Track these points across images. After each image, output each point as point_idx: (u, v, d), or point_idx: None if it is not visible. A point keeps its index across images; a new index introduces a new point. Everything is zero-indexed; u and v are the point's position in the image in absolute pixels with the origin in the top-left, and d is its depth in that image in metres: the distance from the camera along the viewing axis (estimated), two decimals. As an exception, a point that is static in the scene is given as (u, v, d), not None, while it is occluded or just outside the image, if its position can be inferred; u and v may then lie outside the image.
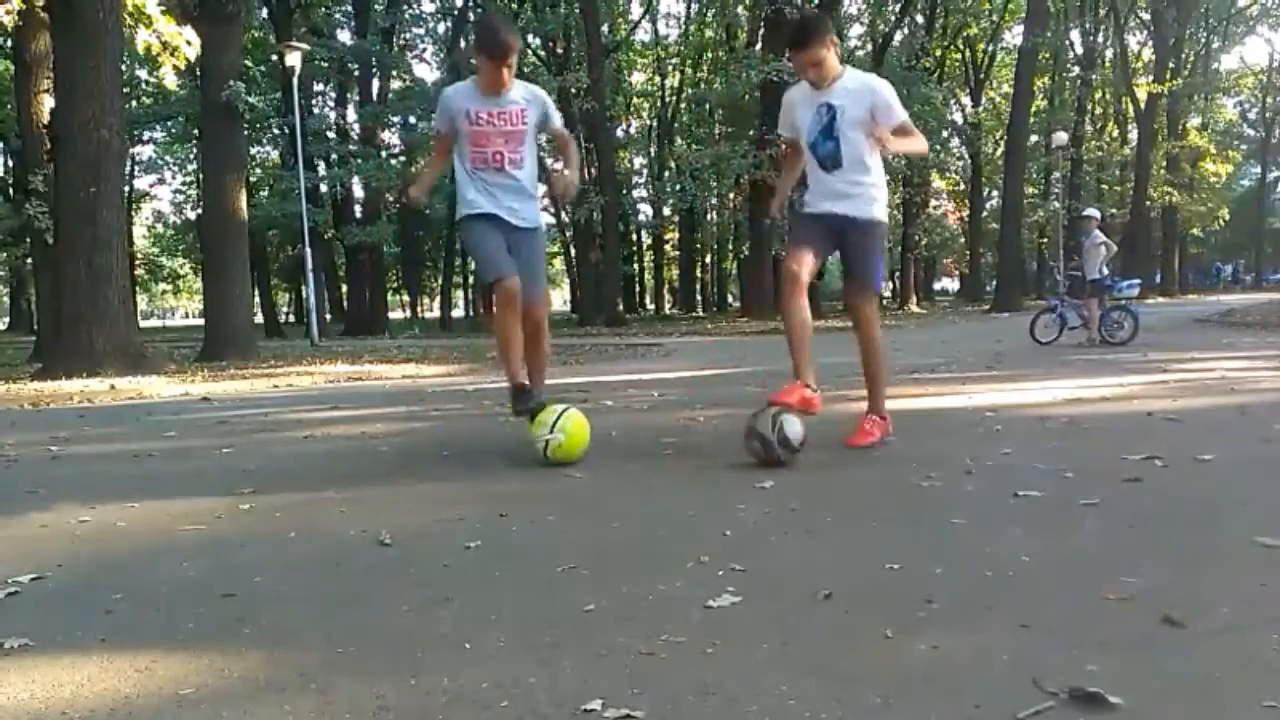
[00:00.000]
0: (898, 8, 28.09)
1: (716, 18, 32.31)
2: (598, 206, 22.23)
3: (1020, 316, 18.60)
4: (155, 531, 2.60)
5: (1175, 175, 35.76)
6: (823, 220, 3.58)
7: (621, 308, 26.33)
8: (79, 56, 9.11)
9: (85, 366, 8.79)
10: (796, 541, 2.24)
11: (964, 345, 10.77)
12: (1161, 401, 4.66)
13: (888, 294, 33.58)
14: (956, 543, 2.17)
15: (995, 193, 36.92)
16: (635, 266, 40.21)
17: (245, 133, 15.80)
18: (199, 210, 27.19)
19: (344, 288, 31.90)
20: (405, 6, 28.96)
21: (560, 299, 49.37)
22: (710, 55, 34.69)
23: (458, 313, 38.37)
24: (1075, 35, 34.89)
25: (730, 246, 40.36)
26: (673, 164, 31.71)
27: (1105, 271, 9.83)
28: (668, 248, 43.91)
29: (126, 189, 23.46)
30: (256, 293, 25.53)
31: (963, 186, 36.27)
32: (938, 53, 31.28)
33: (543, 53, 28.02)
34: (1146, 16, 36.09)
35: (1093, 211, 10.57)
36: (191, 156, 33.97)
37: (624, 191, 31.56)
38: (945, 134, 30.30)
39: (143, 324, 19.26)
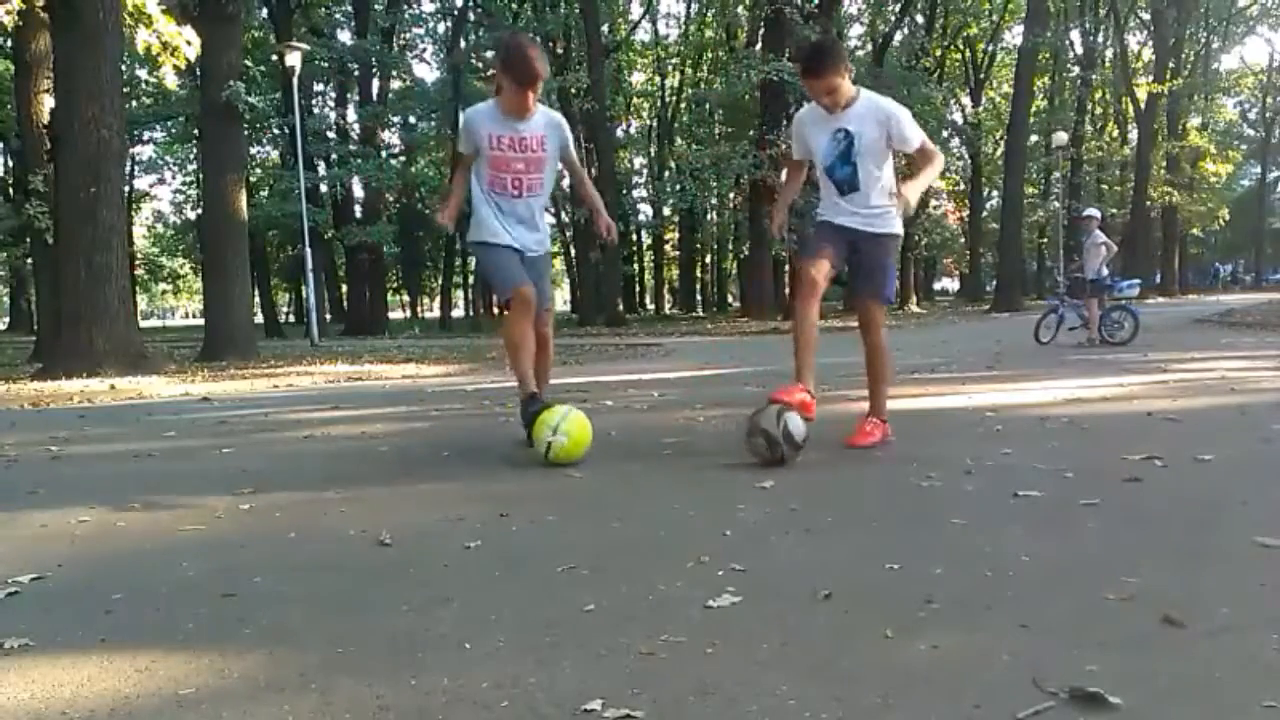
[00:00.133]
0: (898, 8, 28.09)
1: (716, 18, 32.34)
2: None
3: (1020, 316, 18.62)
4: (155, 531, 2.59)
5: (1175, 175, 35.78)
6: (839, 230, 3.60)
7: (621, 308, 26.35)
8: (79, 56, 9.11)
9: (85, 366, 8.79)
10: (796, 541, 2.24)
11: (964, 345, 10.77)
12: (1161, 401, 4.66)
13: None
14: (956, 543, 2.17)
15: (995, 193, 36.94)
16: (635, 266, 40.24)
17: (245, 133, 15.80)
18: (199, 210, 27.20)
19: (344, 288, 31.93)
20: (405, 6, 28.97)
21: (560, 299, 49.37)
22: (710, 55, 34.73)
23: (458, 313, 38.41)
24: (1075, 35, 34.94)
25: (730, 246, 40.39)
26: (673, 164, 31.73)
27: (1105, 271, 9.83)
28: (668, 248, 43.93)
29: (126, 189, 23.44)
30: (256, 293, 25.55)
31: (963, 186, 36.29)
32: (938, 53, 31.29)
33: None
34: (1146, 16, 36.12)
35: (1093, 211, 10.57)
36: (191, 156, 33.98)
37: (624, 191, 31.59)
38: (945, 134, 30.28)
39: (143, 324, 19.26)
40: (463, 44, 29.29)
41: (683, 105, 35.26)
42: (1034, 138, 32.04)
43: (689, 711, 1.32)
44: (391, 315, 35.21)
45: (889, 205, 3.53)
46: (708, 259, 43.53)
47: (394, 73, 28.94)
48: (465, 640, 1.63)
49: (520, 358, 3.69)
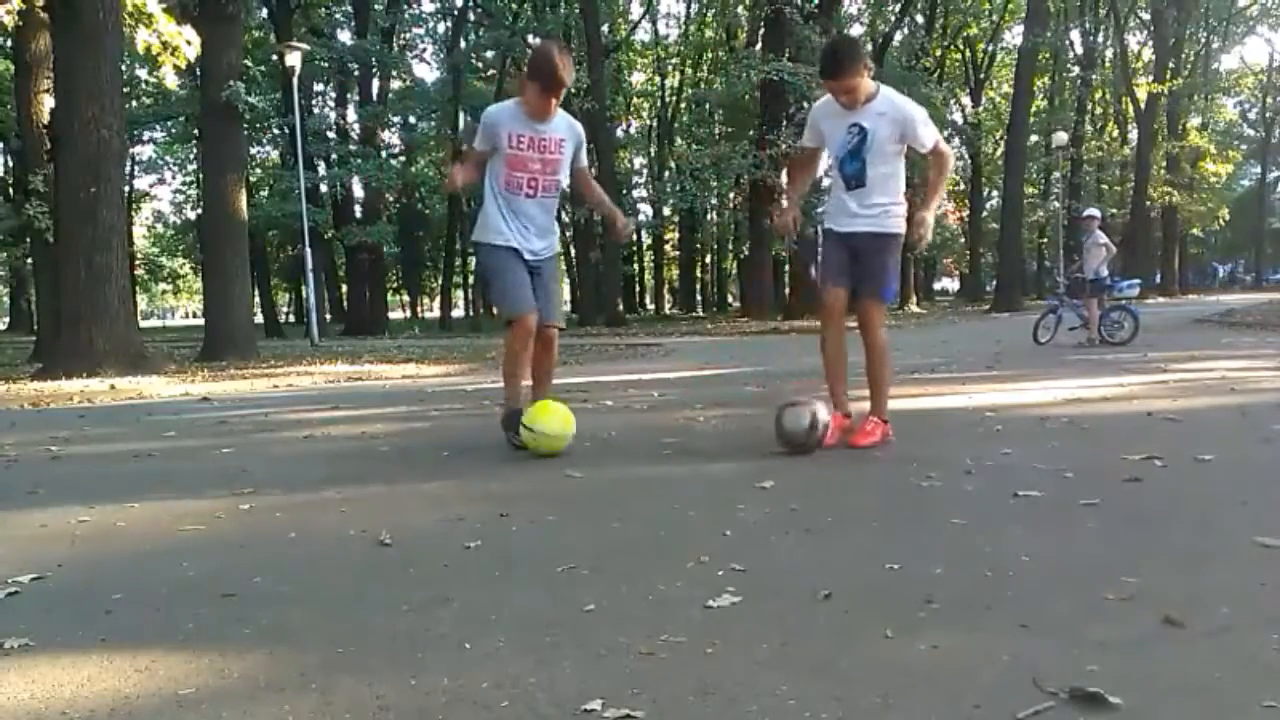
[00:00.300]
0: (898, 8, 28.09)
1: (716, 18, 32.33)
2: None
3: (1020, 316, 18.62)
4: (155, 531, 2.60)
5: (1175, 175, 35.77)
6: (847, 240, 3.62)
7: (621, 308, 26.35)
8: (79, 56, 9.11)
9: (85, 366, 8.79)
10: (796, 541, 2.24)
11: (964, 345, 10.77)
12: (1161, 401, 4.66)
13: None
14: (956, 543, 2.17)
15: (995, 193, 36.94)
16: (635, 266, 40.26)
17: (245, 133, 15.79)
18: (199, 210, 27.20)
19: (344, 288, 31.95)
20: (405, 6, 28.98)
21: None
22: (710, 55, 34.72)
23: (458, 313, 38.40)
24: (1075, 35, 34.93)
25: (730, 246, 40.41)
26: (673, 164, 31.73)
27: (1105, 272, 9.83)
28: (668, 248, 43.92)
29: (126, 189, 23.42)
30: (256, 293, 25.55)
31: (963, 186, 36.27)
32: (938, 53, 31.29)
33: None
34: (1146, 16, 36.11)
35: (1094, 211, 10.57)
36: (191, 156, 33.98)
37: (624, 191, 31.59)
38: (945, 134, 30.15)
39: (143, 324, 19.26)
40: (463, 44, 29.30)
41: (683, 105, 35.26)
42: (1034, 138, 32.03)
43: (689, 711, 1.32)
44: (391, 315, 35.23)
45: (892, 204, 3.53)
46: (708, 259, 43.53)
47: (394, 73, 28.95)
48: (465, 640, 1.63)
49: (511, 380, 3.78)
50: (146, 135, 32.67)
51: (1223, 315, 15.76)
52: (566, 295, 44.36)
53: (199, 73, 13.36)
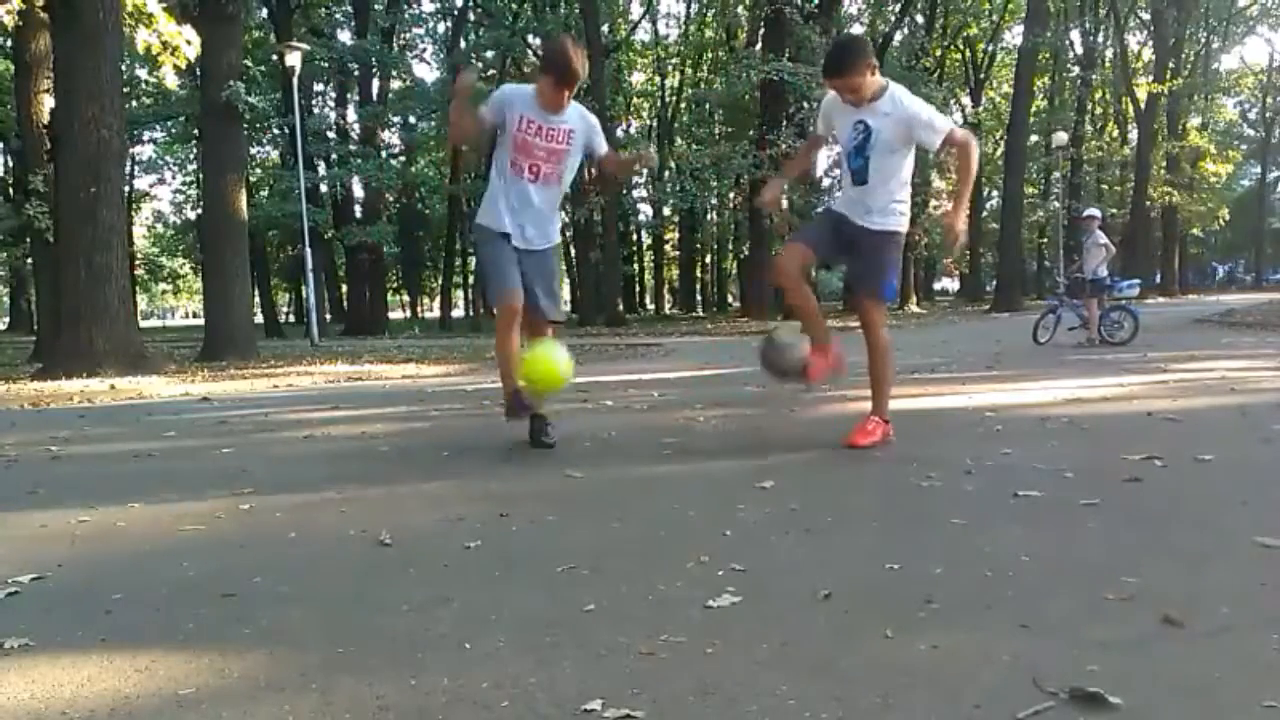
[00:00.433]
0: (898, 8, 28.09)
1: (716, 18, 32.32)
2: (598, 206, 22.24)
3: (1020, 316, 18.62)
4: (155, 531, 2.60)
5: (1175, 175, 35.76)
6: (839, 223, 3.60)
7: (621, 308, 26.34)
8: (79, 56, 9.11)
9: (85, 366, 8.79)
10: (796, 541, 2.24)
11: (964, 345, 10.77)
12: (1161, 401, 4.66)
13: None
14: (956, 543, 2.17)
15: (995, 193, 36.91)
16: (635, 266, 40.24)
17: (245, 133, 15.78)
18: (199, 210, 27.19)
19: (344, 288, 31.93)
20: (405, 6, 28.96)
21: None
22: (710, 55, 34.71)
23: (458, 313, 38.40)
24: (1075, 35, 34.91)
25: (730, 246, 40.40)
26: (673, 164, 31.70)
27: (1104, 272, 9.83)
28: (668, 248, 43.92)
29: (126, 189, 23.41)
30: (256, 293, 25.55)
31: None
32: (938, 53, 31.27)
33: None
34: (1146, 16, 36.10)
35: (1094, 211, 10.56)
36: (191, 156, 33.97)
37: (624, 191, 31.57)
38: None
39: (143, 324, 19.26)
40: (463, 44, 29.29)
41: (683, 105, 35.25)
42: (1034, 138, 32.02)
43: (689, 711, 1.32)
44: (391, 315, 35.23)
45: (894, 202, 3.52)
46: (708, 259, 43.53)
47: (394, 73, 28.93)
48: (465, 640, 1.63)
49: (504, 366, 3.76)
50: (146, 135, 32.66)
51: (1223, 315, 15.76)
52: (566, 295, 44.41)
53: (199, 73, 13.35)
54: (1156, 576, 1.86)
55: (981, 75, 35.04)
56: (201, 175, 19.32)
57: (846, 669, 1.45)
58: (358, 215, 26.84)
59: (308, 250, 16.95)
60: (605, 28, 27.49)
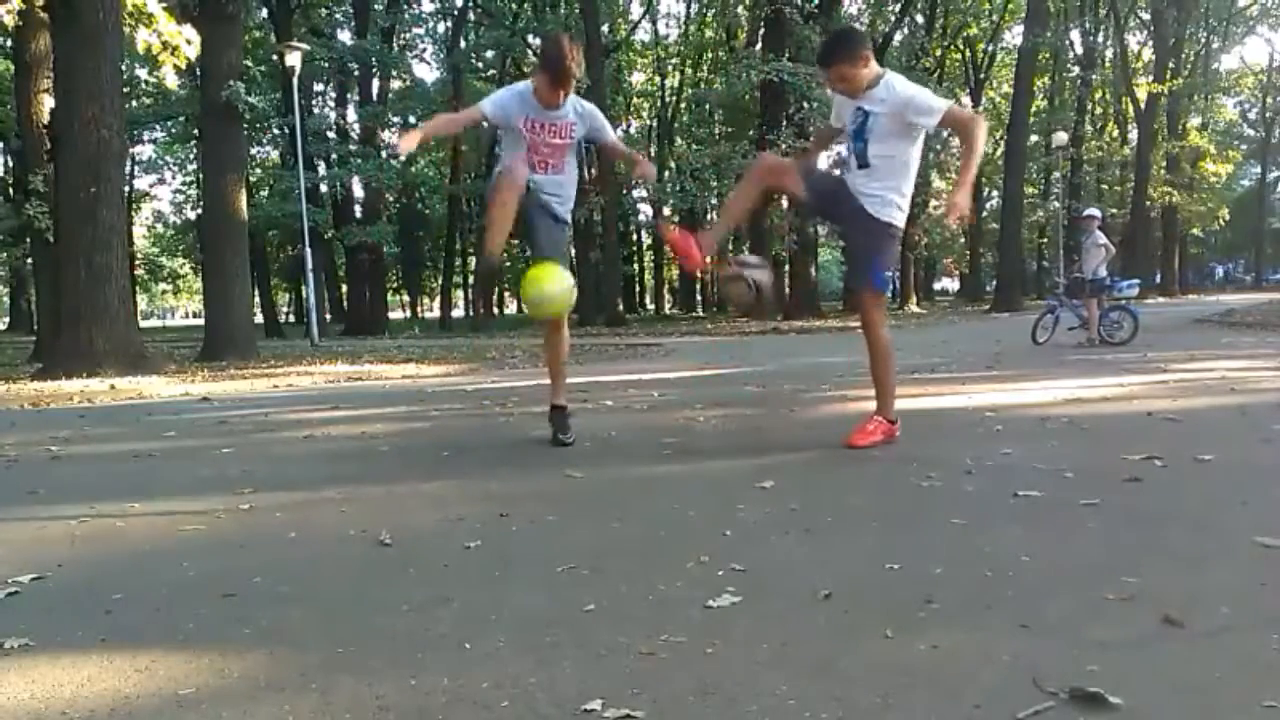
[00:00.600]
0: (898, 8, 28.08)
1: (716, 18, 32.31)
2: (598, 206, 22.24)
3: (1020, 316, 18.62)
4: (155, 531, 2.60)
5: (1175, 175, 35.75)
6: (842, 190, 3.60)
7: (621, 308, 26.33)
8: (79, 56, 9.11)
9: (85, 366, 8.79)
10: (796, 541, 2.24)
11: (964, 345, 10.77)
12: (1161, 401, 4.66)
13: (887, 294, 33.54)
14: (956, 543, 2.17)
15: (995, 193, 36.91)
16: (635, 266, 40.23)
17: (245, 133, 15.78)
18: (199, 210, 27.20)
19: (344, 288, 31.94)
20: (405, 6, 28.97)
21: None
22: (710, 55, 34.70)
23: (458, 313, 38.38)
24: (1075, 35, 34.91)
25: (730, 247, 40.32)
26: (673, 164, 31.69)
27: (1104, 272, 9.83)
28: (667, 248, 43.88)
29: (126, 189, 23.40)
30: (256, 293, 25.55)
31: (962, 186, 36.20)
32: (938, 53, 31.26)
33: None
34: (1146, 16, 36.10)
35: (1094, 211, 10.56)
36: (191, 156, 33.99)
37: (624, 191, 31.58)
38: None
39: (143, 324, 19.25)
40: (463, 44, 29.31)
41: (683, 105, 35.25)
42: (1034, 138, 32.00)
43: (689, 711, 1.32)
44: (391, 315, 35.23)
45: (890, 193, 3.50)
46: (708, 259, 43.46)
47: (394, 73, 28.95)
48: (465, 640, 1.63)
49: (494, 231, 3.66)
50: (146, 135, 32.69)
51: (1223, 315, 15.75)
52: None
53: (199, 73, 13.36)
54: (1156, 576, 1.86)
55: (981, 75, 35.03)
56: (201, 175, 19.34)
57: (846, 669, 1.45)
58: (358, 215, 26.85)
59: (308, 250, 16.96)
60: (605, 28, 27.50)
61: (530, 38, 26.85)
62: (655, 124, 37.15)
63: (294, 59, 16.48)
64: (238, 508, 2.83)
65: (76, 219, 9.05)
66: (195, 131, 26.37)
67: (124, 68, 13.26)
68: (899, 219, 3.57)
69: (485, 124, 3.88)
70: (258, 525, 2.62)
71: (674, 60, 36.02)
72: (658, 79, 36.64)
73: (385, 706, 1.37)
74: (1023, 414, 4.46)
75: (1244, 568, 1.92)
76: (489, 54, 30.07)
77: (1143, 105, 34.07)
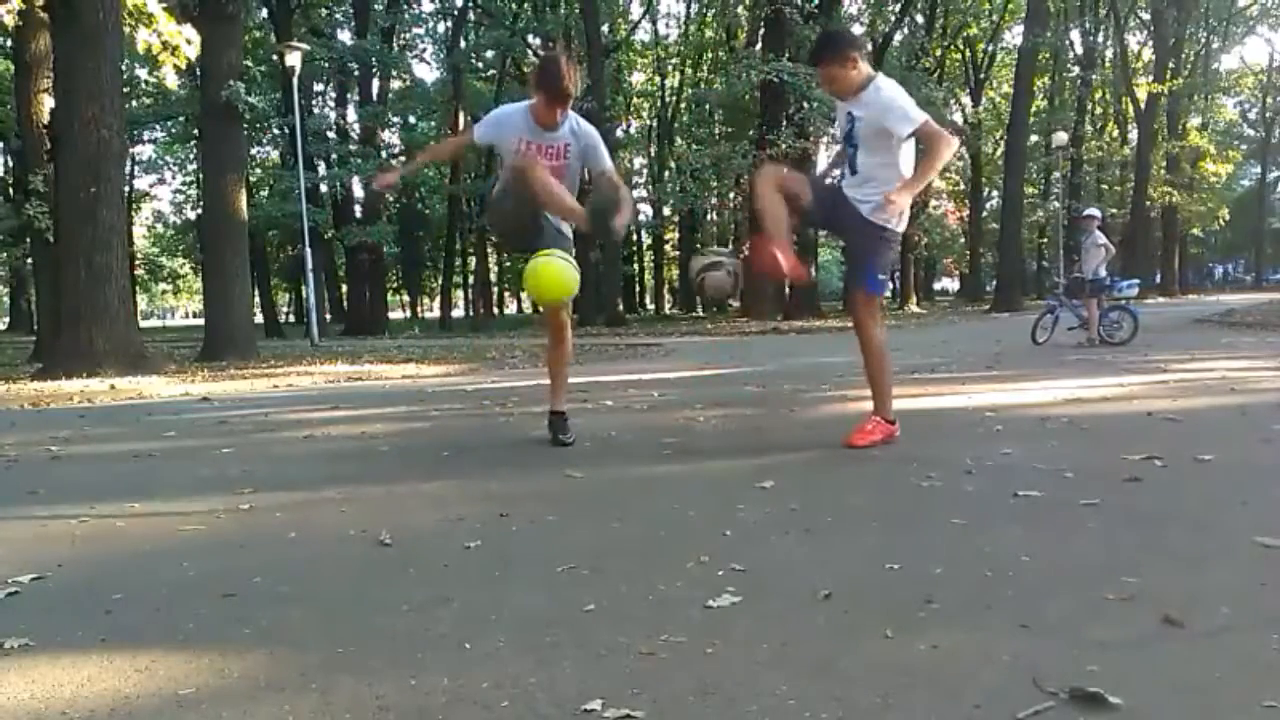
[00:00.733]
0: (898, 8, 28.06)
1: (716, 18, 32.31)
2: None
3: (1020, 316, 18.62)
4: (155, 531, 2.60)
5: (1175, 175, 35.74)
6: (839, 197, 3.60)
7: (621, 308, 26.33)
8: (79, 56, 9.11)
9: (85, 366, 8.79)
10: (796, 541, 2.24)
11: (964, 345, 10.77)
12: (1161, 401, 4.66)
13: (887, 294, 33.54)
14: (956, 543, 2.17)
15: (995, 193, 36.92)
16: (635, 266, 40.23)
17: (245, 133, 15.78)
18: (199, 210, 27.20)
19: (344, 288, 31.94)
20: (405, 6, 28.97)
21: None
22: (710, 55, 34.70)
23: (458, 313, 38.40)
24: (1075, 35, 34.90)
25: (730, 247, 40.36)
26: (673, 164, 31.72)
27: (1103, 272, 9.83)
28: (668, 248, 43.90)
29: (126, 189, 23.40)
30: (256, 293, 25.54)
31: (963, 186, 36.27)
32: (938, 53, 31.27)
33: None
34: (1146, 16, 36.09)
35: (1094, 211, 10.55)
36: (191, 156, 33.99)
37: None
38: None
39: (143, 324, 19.26)
40: (463, 44, 29.30)
41: (683, 105, 35.25)
42: (1034, 138, 31.99)
43: (689, 711, 1.32)
44: (391, 315, 35.22)
45: (877, 197, 3.49)
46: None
47: (394, 73, 28.94)
48: (465, 640, 1.63)
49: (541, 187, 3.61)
50: (146, 135, 32.68)
51: (1223, 315, 15.75)
52: (566, 295, 44.30)
53: (199, 73, 13.35)
54: (1156, 576, 1.86)
55: (981, 75, 35.02)
56: (201, 175, 19.33)
57: (846, 669, 1.45)
58: (358, 215, 26.84)
59: (308, 250, 16.96)
60: (605, 28, 27.47)
61: (530, 38, 26.84)
62: (655, 124, 37.14)
63: (294, 59, 16.48)
64: (238, 508, 2.83)
65: (76, 219, 9.05)
66: (195, 131, 26.36)
67: (124, 68, 13.26)
68: (893, 223, 3.55)
69: (476, 142, 3.88)
70: (258, 525, 2.62)
71: (674, 60, 36.01)
72: (658, 79, 36.63)
73: (385, 706, 1.37)
74: (1023, 414, 4.46)
75: (1244, 568, 1.92)
76: (489, 54, 30.05)
77: (1143, 105, 34.07)
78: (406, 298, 49.61)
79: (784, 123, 20.27)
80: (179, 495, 3.08)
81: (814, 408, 5.14)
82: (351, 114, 29.14)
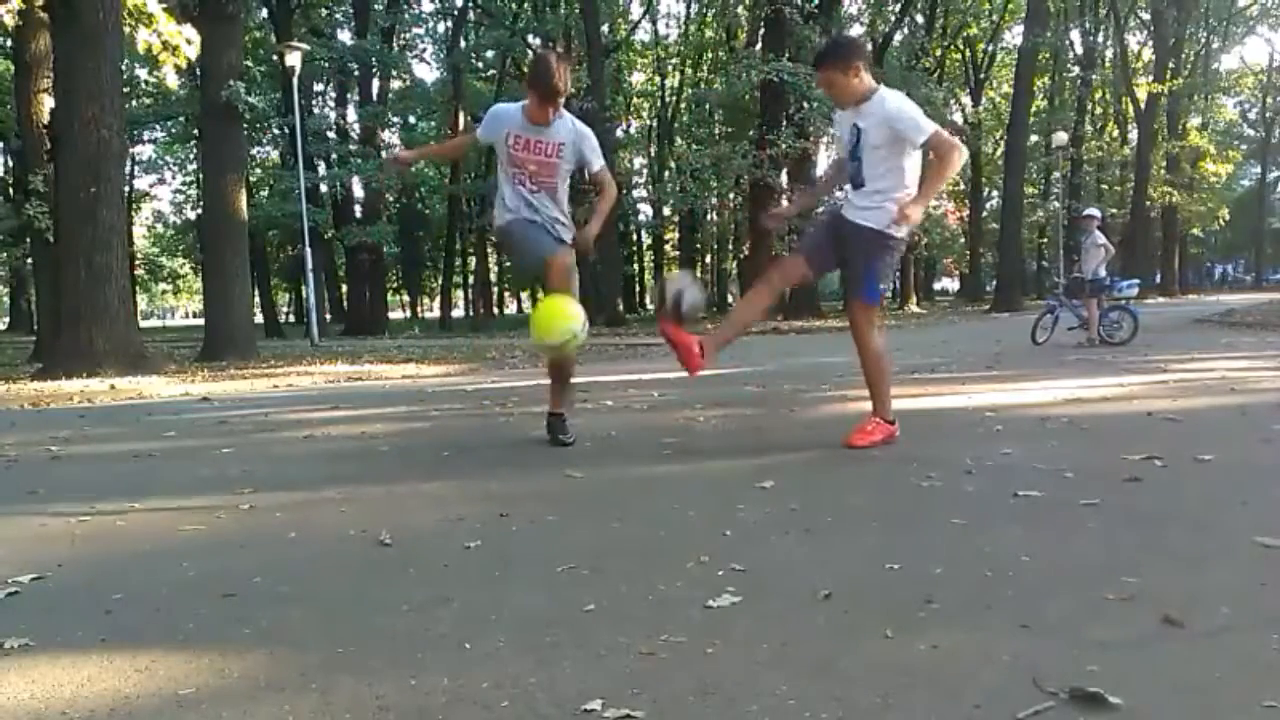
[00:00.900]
0: (898, 8, 28.07)
1: (716, 18, 32.30)
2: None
3: (1020, 316, 18.61)
4: (155, 531, 2.60)
5: (1175, 175, 35.74)
6: (838, 223, 3.63)
7: (621, 308, 26.33)
8: (79, 56, 9.11)
9: (85, 366, 8.79)
10: (796, 541, 2.24)
11: (964, 345, 10.77)
12: (1161, 401, 4.66)
13: (888, 295, 33.49)
14: (956, 543, 2.17)
15: (995, 193, 36.92)
16: (635, 266, 40.22)
17: (245, 133, 15.78)
18: (199, 210, 27.19)
19: (344, 288, 31.92)
20: (405, 6, 28.96)
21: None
22: (710, 55, 34.68)
23: (458, 313, 38.39)
24: (1075, 35, 34.90)
25: (730, 247, 40.38)
26: (673, 164, 31.70)
27: (1103, 272, 9.83)
28: (668, 248, 43.90)
29: (126, 189, 23.39)
30: (256, 293, 25.54)
31: (963, 186, 36.24)
32: (938, 53, 31.26)
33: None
34: (1146, 16, 36.09)
35: (1093, 211, 10.55)
36: (191, 156, 33.97)
37: (624, 191, 31.60)
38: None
39: (143, 324, 19.26)
40: (463, 44, 29.29)
41: (683, 105, 35.23)
42: (1034, 138, 32.00)
43: (689, 711, 1.32)
44: (391, 315, 35.21)
45: (887, 204, 3.48)
46: (708, 259, 43.51)
47: (394, 73, 28.93)
48: (465, 640, 1.63)
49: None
50: (146, 135, 32.65)
51: (1223, 315, 15.75)
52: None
53: (199, 73, 13.36)
54: (1156, 576, 1.86)
55: (981, 75, 35.02)
56: (201, 175, 19.32)
57: (846, 669, 1.45)
58: (358, 215, 26.83)
59: (308, 250, 16.95)
60: (605, 28, 27.46)
61: (530, 38, 26.83)
62: (655, 124, 37.12)
63: (294, 59, 16.48)
64: (238, 508, 2.83)
65: (76, 219, 9.05)
66: (195, 131, 26.35)
67: (124, 68, 13.25)
68: (891, 227, 3.46)
69: (477, 139, 4.00)
70: (258, 525, 2.62)
71: (674, 60, 35.99)
72: (658, 79, 36.60)
73: (385, 706, 1.37)
74: (1023, 414, 4.46)
75: (1244, 568, 1.92)
76: (489, 54, 30.03)
77: (1143, 105, 34.07)
78: (406, 298, 49.61)
79: (784, 123, 20.25)
80: (179, 495, 3.08)
81: (814, 408, 5.14)
82: (351, 114, 29.13)
